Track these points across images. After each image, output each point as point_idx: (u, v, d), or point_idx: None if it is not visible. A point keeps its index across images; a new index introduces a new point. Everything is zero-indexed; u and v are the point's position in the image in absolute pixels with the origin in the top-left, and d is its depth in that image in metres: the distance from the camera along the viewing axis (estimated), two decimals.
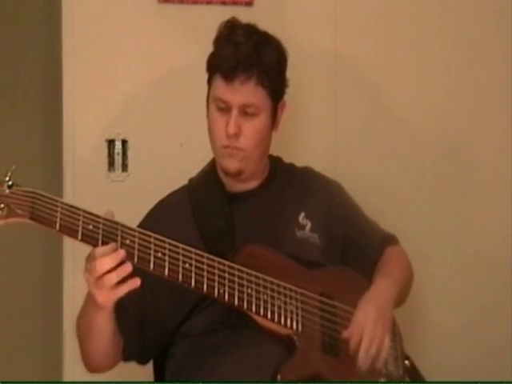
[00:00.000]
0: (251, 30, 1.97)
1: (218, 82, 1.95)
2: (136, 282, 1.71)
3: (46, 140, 2.75)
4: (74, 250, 2.42)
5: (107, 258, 1.68)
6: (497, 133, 2.73)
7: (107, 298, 1.72)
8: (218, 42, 1.98)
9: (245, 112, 1.94)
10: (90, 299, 1.77)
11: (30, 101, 2.81)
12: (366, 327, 1.89)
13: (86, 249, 2.33)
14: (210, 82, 2.00)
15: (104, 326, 1.82)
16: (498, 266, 2.71)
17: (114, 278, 1.69)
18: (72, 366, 2.44)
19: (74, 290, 2.43)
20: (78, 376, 2.39)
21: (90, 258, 1.70)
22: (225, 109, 1.94)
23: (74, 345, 2.42)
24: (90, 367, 1.95)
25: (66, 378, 2.43)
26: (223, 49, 1.95)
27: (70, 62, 2.45)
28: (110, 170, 2.48)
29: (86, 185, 2.43)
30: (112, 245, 1.70)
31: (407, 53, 2.67)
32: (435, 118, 2.69)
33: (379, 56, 2.65)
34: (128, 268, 1.70)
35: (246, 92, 1.92)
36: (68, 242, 2.42)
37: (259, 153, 2.00)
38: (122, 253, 1.69)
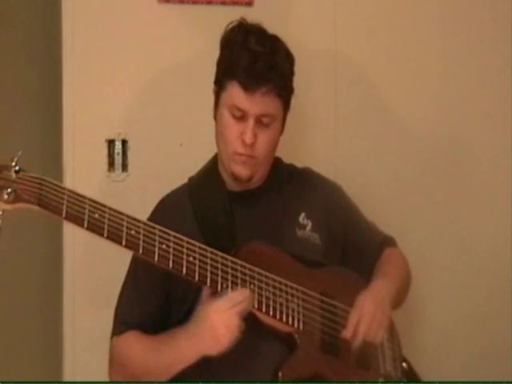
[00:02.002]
0: (263, 35, 1.97)
1: (236, 90, 1.93)
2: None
3: (46, 140, 2.75)
4: (74, 250, 2.42)
5: (235, 293, 1.80)
6: (498, 134, 2.73)
7: (232, 337, 1.78)
8: (231, 47, 1.96)
9: (260, 121, 1.95)
10: (197, 340, 1.81)
11: (31, 100, 2.81)
12: (362, 319, 1.90)
13: (86, 248, 2.35)
14: (221, 85, 1.98)
15: (189, 362, 1.86)
16: (498, 266, 2.71)
17: (238, 310, 1.78)
18: (72, 366, 2.44)
19: (74, 290, 2.43)
20: (78, 376, 2.40)
21: (219, 309, 1.78)
22: (240, 117, 1.94)
23: (73, 345, 2.43)
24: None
25: (66, 378, 2.43)
26: (240, 57, 1.93)
27: (70, 62, 2.44)
28: (109, 170, 2.48)
29: (86, 185, 2.42)
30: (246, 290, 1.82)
31: (407, 53, 2.67)
32: (435, 118, 2.69)
33: (379, 56, 2.65)
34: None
35: (266, 103, 1.93)
36: (68, 242, 2.42)
37: (270, 158, 2.03)
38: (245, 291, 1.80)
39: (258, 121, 1.94)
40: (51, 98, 2.63)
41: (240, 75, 1.92)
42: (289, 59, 2.00)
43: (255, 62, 1.91)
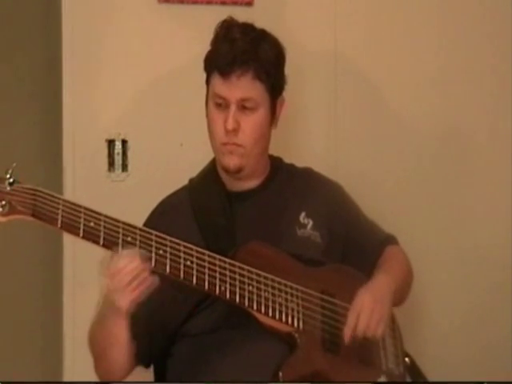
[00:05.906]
0: (248, 28, 1.98)
1: (216, 79, 1.95)
2: (154, 281, 1.73)
3: (46, 140, 2.75)
4: (74, 250, 2.42)
5: (123, 257, 1.72)
6: (498, 129, 2.74)
7: (124, 298, 1.73)
8: (216, 41, 1.98)
9: (243, 107, 1.94)
10: (108, 309, 1.78)
11: (30, 100, 2.81)
12: (362, 313, 1.90)
13: (86, 249, 2.34)
14: (208, 81, 2.00)
15: (123, 335, 1.81)
16: (498, 264, 2.72)
17: (127, 275, 1.71)
18: (72, 366, 2.44)
19: (74, 290, 2.43)
20: (78, 376, 2.40)
21: (107, 263, 1.73)
22: (223, 105, 1.95)
23: (73, 345, 2.44)
24: (105, 379, 1.93)
25: (66, 378, 2.43)
26: (220, 46, 1.95)
27: (70, 62, 2.45)
28: (110, 170, 2.48)
29: (86, 185, 2.43)
30: (133, 249, 1.74)
31: (407, 52, 2.67)
32: (435, 118, 2.70)
33: (379, 56, 2.65)
34: (140, 266, 1.72)
35: (243, 86, 1.92)
36: (68, 242, 2.42)
37: (259, 149, 2.00)
38: (137, 251, 1.73)
39: (241, 107, 1.94)
40: (51, 98, 2.63)
41: (218, 63, 1.94)
42: (275, 48, 1.98)
43: (232, 47, 1.92)
